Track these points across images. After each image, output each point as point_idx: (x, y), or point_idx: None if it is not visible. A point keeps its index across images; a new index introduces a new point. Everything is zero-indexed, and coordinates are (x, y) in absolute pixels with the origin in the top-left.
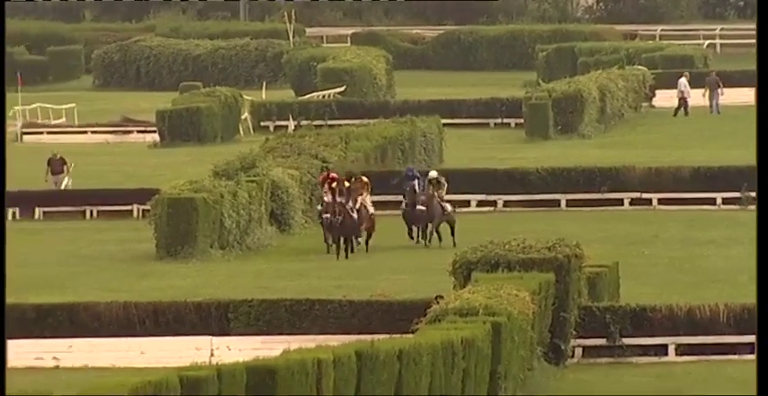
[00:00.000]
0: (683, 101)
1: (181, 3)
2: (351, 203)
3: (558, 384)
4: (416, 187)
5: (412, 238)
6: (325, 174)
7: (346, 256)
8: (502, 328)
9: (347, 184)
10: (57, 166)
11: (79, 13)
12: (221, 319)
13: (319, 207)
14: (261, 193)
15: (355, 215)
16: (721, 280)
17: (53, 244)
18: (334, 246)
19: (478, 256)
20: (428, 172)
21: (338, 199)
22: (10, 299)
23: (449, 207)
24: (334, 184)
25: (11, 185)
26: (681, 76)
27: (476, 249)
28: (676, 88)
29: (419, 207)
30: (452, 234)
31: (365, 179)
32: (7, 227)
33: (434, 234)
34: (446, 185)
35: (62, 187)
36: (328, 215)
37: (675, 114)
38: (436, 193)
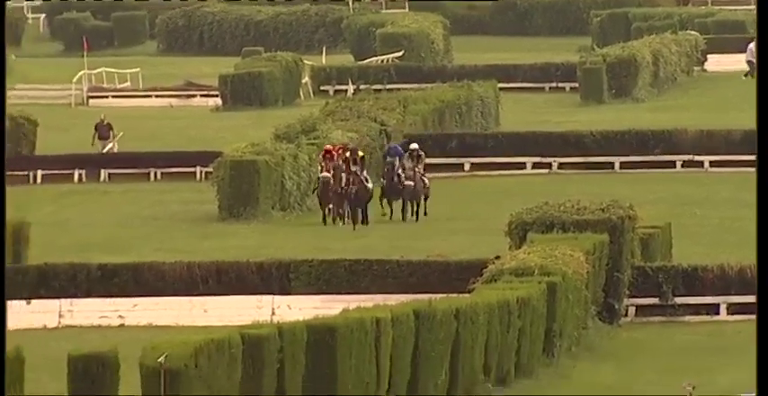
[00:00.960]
0: (750, 63)
1: None
2: (365, 173)
3: (611, 342)
4: (396, 164)
5: (386, 213)
6: (328, 147)
7: (366, 223)
8: (557, 288)
9: (360, 153)
10: (103, 131)
11: None
12: (282, 278)
13: (322, 174)
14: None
15: (370, 185)
16: None
17: (118, 205)
18: (338, 217)
19: (534, 218)
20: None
21: (353, 168)
22: (77, 258)
23: (426, 181)
24: (348, 154)
25: (77, 148)
26: (750, 42)
27: (531, 210)
28: (745, 52)
29: (407, 182)
30: (416, 208)
31: (361, 153)
32: (73, 189)
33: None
34: (425, 159)
35: (104, 152)
36: (343, 186)
37: (746, 76)
38: (417, 168)
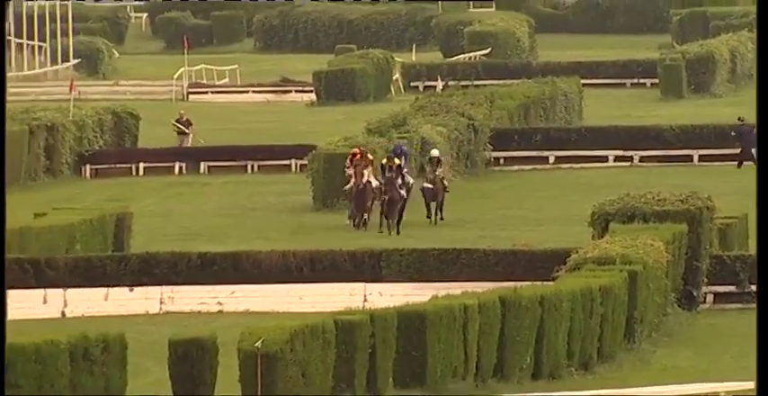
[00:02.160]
0: None
1: None
2: (400, 180)
3: (690, 329)
4: (402, 165)
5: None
6: (355, 150)
7: (398, 233)
8: (638, 276)
9: (388, 160)
10: (184, 126)
11: None
12: (374, 266)
13: (348, 186)
14: (412, 149)
15: (403, 192)
16: None
17: (217, 196)
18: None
19: (616, 208)
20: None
21: (388, 174)
22: (177, 247)
23: (446, 184)
24: (384, 161)
25: (178, 142)
26: None
27: (613, 202)
28: None
29: (427, 185)
30: (434, 211)
31: (370, 156)
32: (174, 180)
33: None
34: (444, 165)
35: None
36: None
37: None
38: (438, 172)
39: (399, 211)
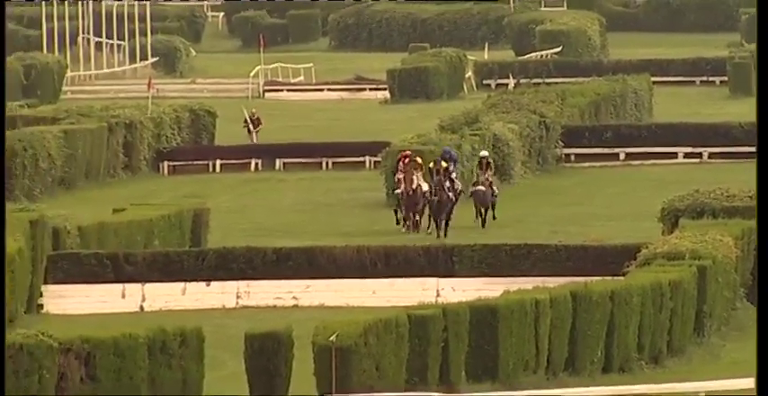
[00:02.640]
0: None
1: None
2: (448, 183)
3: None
4: (451, 168)
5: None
6: (404, 153)
7: (445, 235)
8: (707, 271)
9: (435, 164)
10: (254, 124)
11: None
12: (447, 261)
13: (398, 190)
14: (483, 146)
15: (451, 195)
16: None
17: (292, 192)
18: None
19: (685, 204)
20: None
21: (436, 177)
22: (253, 242)
23: (495, 188)
24: (431, 165)
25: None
26: None
27: (683, 198)
28: None
29: (479, 188)
30: (485, 214)
31: (419, 160)
32: (250, 177)
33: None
34: (493, 167)
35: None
36: (436, 196)
37: None
38: (487, 175)
39: (447, 214)
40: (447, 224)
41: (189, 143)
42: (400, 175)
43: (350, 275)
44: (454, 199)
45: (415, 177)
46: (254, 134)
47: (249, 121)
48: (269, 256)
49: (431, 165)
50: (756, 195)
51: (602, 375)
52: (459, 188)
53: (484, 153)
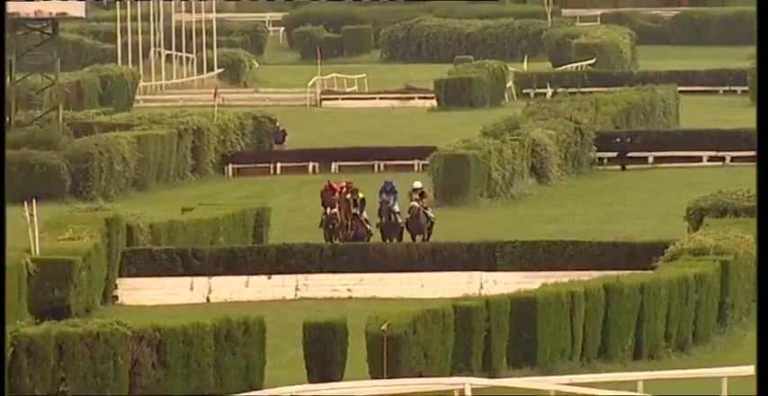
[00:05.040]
0: None
1: None
2: (365, 215)
3: None
4: (390, 201)
5: None
6: (328, 184)
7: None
8: (730, 266)
9: (361, 195)
10: (279, 137)
11: None
12: (489, 257)
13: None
14: (523, 150)
15: (369, 226)
16: None
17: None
18: None
19: (709, 204)
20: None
21: (353, 210)
22: (311, 239)
23: (430, 213)
24: (348, 195)
25: (312, 144)
26: None
27: (707, 198)
28: None
29: (400, 220)
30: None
31: (361, 195)
32: (308, 179)
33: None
34: (427, 196)
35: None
36: (336, 227)
37: None
38: (419, 203)
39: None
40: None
41: (252, 148)
42: (348, 209)
43: (400, 269)
44: (422, 221)
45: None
46: (282, 146)
47: (274, 134)
48: (325, 251)
49: (348, 194)
50: (757, 195)
51: (633, 362)
52: (401, 220)
53: (417, 184)
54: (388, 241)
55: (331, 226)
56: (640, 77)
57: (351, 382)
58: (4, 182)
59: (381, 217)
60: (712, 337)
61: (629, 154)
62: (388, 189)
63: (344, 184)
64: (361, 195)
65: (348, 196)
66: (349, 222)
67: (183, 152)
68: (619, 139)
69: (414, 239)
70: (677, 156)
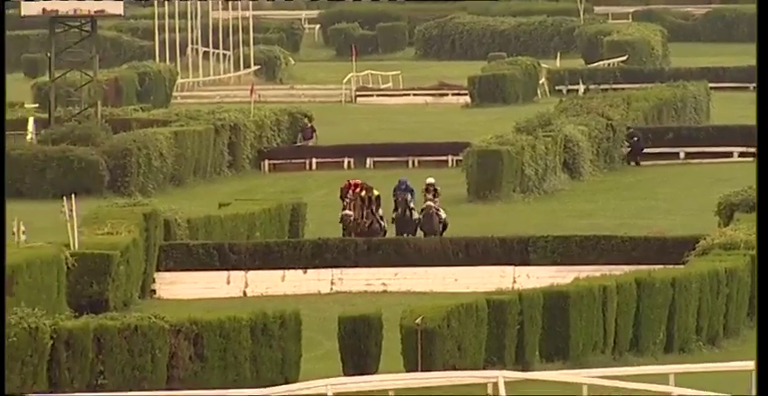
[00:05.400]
0: None
1: None
2: (381, 212)
3: None
4: (408, 198)
5: None
6: (347, 183)
7: None
8: None
9: (376, 192)
10: (307, 133)
11: None
12: (522, 251)
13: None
14: (555, 146)
15: (384, 223)
16: None
17: (381, 188)
18: None
19: (740, 199)
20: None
21: (366, 208)
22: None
23: (443, 214)
24: (363, 193)
25: (347, 139)
26: None
27: (737, 193)
28: None
29: (416, 215)
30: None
31: (376, 192)
32: (343, 174)
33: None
34: (440, 193)
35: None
36: (350, 224)
37: None
38: (434, 203)
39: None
40: None
41: (287, 144)
42: (363, 207)
43: (434, 264)
44: (434, 220)
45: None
46: (312, 140)
47: (303, 130)
48: (360, 246)
49: (362, 192)
50: (757, 195)
51: (664, 355)
52: (417, 216)
53: (430, 180)
54: (406, 236)
55: (345, 224)
56: (671, 74)
57: (385, 374)
58: (4, 182)
59: (397, 210)
60: (742, 331)
61: (658, 151)
62: (403, 187)
63: (358, 182)
64: (376, 193)
65: (363, 194)
66: (363, 220)
67: (220, 148)
68: (636, 138)
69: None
70: (708, 151)
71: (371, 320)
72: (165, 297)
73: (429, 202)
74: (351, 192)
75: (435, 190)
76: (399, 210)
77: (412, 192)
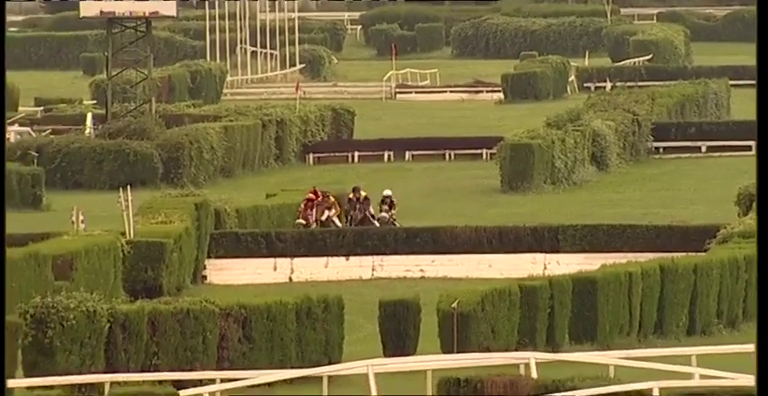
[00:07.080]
0: None
1: None
2: (371, 210)
3: None
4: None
5: None
6: (312, 193)
7: None
8: None
9: (363, 193)
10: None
11: None
12: (552, 239)
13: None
14: (584, 140)
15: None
16: None
17: (420, 180)
18: None
19: None
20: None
21: (323, 215)
22: None
23: (398, 224)
24: (331, 200)
25: (387, 134)
26: None
27: (756, 184)
28: None
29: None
30: None
31: (332, 198)
32: (383, 167)
33: None
34: (396, 205)
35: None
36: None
37: None
38: (387, 213)
39: None
40: None
41: (331, 138)
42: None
43: (469, 251)
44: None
45: (328, 213)
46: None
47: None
48: (399, 234)
49: (350, 195)
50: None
51: (687, 337)
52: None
53: (387, 192)
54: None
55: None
56: (694, 72)
57: (423, 355)
58: (4, 181)
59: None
60: None
61: (681, 144)
62: (388, 201)
63: (317, 191)
64: (363, 194)
65: (331, 200)
66: (356, 213)
67: (267, 142)
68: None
69: None
70: (728, 145)
71: (410, 305)
72: (216, 282)
73: (384, 214)
74: (314, 202)
75: (392, 202)
76: (359, 213)
77: (368, 200)
